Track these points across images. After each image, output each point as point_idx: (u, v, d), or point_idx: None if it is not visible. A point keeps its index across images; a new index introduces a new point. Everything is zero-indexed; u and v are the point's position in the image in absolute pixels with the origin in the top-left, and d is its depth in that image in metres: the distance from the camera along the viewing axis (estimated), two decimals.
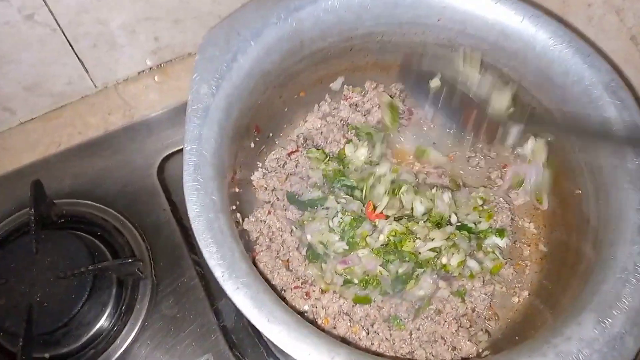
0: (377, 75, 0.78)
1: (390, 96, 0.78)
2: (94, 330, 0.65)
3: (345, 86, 0.78)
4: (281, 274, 0.64)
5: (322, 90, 0.77)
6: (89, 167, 0.78)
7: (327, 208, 0.68)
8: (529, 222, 0.73)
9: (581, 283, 0.56)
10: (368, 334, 0.63)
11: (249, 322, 0.48)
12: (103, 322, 0.66)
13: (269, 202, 0.71)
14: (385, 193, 0.69)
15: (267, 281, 0.58)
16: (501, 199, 0.74)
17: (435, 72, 0.69)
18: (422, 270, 0.65)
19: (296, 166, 0.73)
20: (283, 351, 0.47)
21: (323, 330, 0.60)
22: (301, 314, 0.61)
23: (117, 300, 0.67)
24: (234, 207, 0.64)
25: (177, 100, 0.83)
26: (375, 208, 0.68)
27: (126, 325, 0.66)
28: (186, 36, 0.84)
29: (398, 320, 0.65)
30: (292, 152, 0.74)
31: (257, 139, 0.70)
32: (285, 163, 0.74)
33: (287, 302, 0.60)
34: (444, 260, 0.65)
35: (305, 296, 0.63)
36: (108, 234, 0.72)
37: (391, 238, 0.65)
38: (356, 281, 0.65)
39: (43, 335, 0.63)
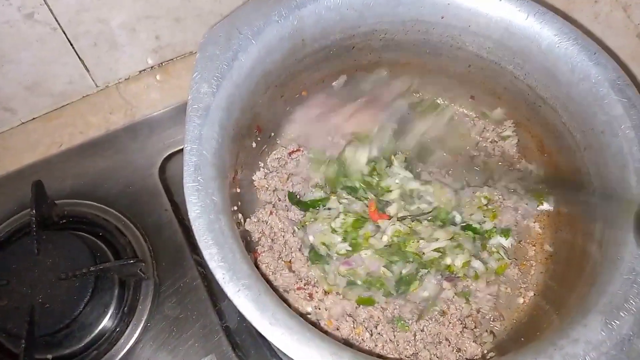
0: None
1: None
2: (97, 331, 0.65)
3: None
4: (284, 275, 0.64)
5: (324, 89, 0.76)
6: (90, 167, 0.78)
7: (329, 209, 0.68)
8: (534, 222, 0.72)
9: (587, 284, 0.55)
10: (372, 335, 0.62)
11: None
12: (105, 323, 0.66)
13: (271, 202, 0.70)
14: (398, 197, 0.69)
15: (269, 282, 0.58)
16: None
17: None
18: (426, 271, 0.65)
19: (297, 166, 0.73)
20: None
21: (326, 332, 0.59)
22: (304, 315, 0.61)
23: (120, 301, 0.67)
24: (235, 208, 0.63)
25: (178, 99, 0.83)
26: (377, 208, 0.67)
27: (129, 326, 0.66)
28: (187, 35, 0.83)
29: (402, 322, 0.64)
30: (293, 152, 0.74)
31: (259, 139, 0.70)
32: (287, 163, 0.73)
33: (289, 304, 0.60)
34: (448, 260, 0.65)
35: (308, 297, 0.63)
36: (110, 234, 0.71)
37: (395, 239, 0.65)
38: (359, 282, 0.64)
39: (45, 337, 0.62)
